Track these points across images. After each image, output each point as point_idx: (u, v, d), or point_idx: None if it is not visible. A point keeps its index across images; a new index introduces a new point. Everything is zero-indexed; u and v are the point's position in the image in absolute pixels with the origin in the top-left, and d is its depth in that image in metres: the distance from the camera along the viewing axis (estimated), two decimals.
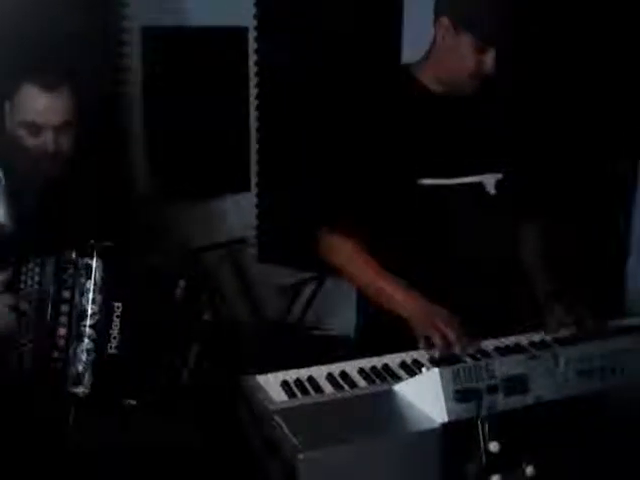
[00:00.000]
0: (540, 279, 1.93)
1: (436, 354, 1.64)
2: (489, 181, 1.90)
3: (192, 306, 1.91)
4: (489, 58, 1.76)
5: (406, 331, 1.72)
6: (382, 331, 1.88)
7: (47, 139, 1.90)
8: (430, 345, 1.66)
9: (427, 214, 1.84)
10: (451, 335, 1.64)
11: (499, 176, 1.90)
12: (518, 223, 2.03)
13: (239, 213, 3.65)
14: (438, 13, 1.80)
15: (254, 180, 3.69)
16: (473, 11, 1.73)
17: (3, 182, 1.88)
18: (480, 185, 1.89)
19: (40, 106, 1.90)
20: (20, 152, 1.91)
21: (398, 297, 1.77)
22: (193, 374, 1.90)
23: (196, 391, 1.91)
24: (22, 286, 1.79)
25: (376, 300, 1.83)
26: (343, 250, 1.87)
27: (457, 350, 1.64)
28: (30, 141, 1.90)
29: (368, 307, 1.95)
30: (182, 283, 1.89)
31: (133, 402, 1.80)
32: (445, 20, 1.77)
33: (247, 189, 3.69)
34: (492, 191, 1.90)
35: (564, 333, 1.76)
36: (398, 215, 1.86)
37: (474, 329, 1.69)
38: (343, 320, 2.60)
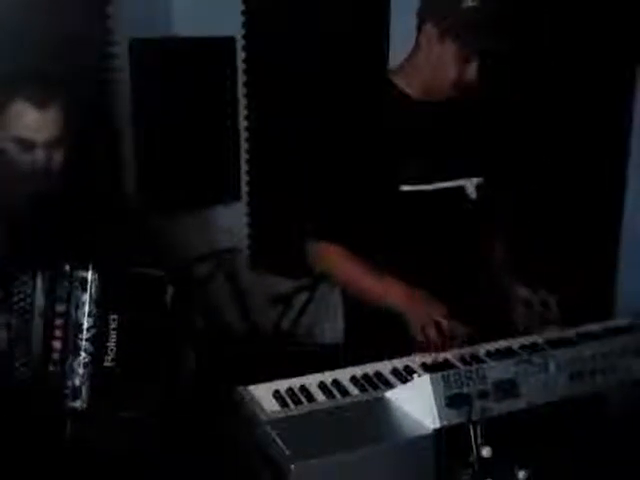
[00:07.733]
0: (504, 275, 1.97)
1: (428, 357, 1.65)
2: (470, 185, 1.91)
3: (183, 312, 1.91)
4: (472, 68, 1.76)
5: (390, 334, 1.73)
6: (366, 335, 1.91)
7: (38, 155, 1.90)
8: (426, 335, 1.68)
9: (409, 219, 1.86)
10: (444, 323, 1.66)
11: (480, 180, 1.91)
12: (498, 226, 2.04)
13: (230, 222, 3.65)
14: (423, 20, 1.80)
15: (245, 189, 3.70)
16: (460, 22, 1.73)
17: None
18: (461, 189, 1.90)
19: (31, 122, 1.89)
20: (8, 166, 1.91)
21: (389, 292, 1.78)
22: (189, 384, 1.89)
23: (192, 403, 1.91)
24: (15, 299, 1.78)
25: (368, 300, 1.84)
26: (330, 255, 1.89)
27: (448, 333, 1.66)
28: (21, 156, 1.90)
29: (352, 312, 1.97)
30: (170, 289, 1.88)
31: (125, 414, 1.79)
32: (429, 28, 1.77)
33: (237, 199, 3.69)
34: (473, 195, 1.91)
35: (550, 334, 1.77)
36: (381, 221, 1.87)
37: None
38: (335, 328, 2.61)
